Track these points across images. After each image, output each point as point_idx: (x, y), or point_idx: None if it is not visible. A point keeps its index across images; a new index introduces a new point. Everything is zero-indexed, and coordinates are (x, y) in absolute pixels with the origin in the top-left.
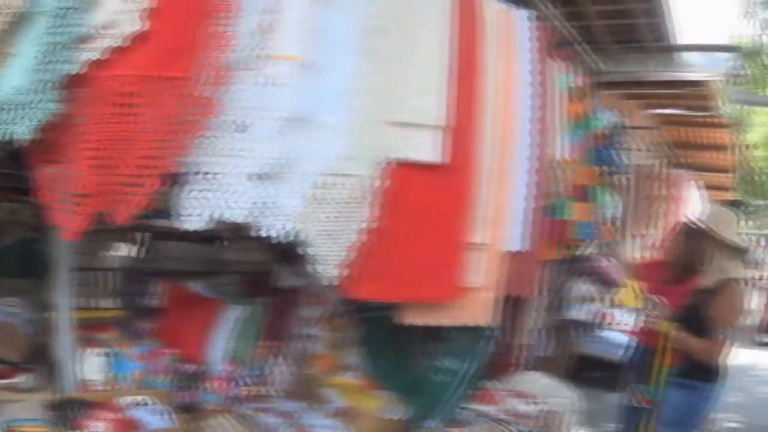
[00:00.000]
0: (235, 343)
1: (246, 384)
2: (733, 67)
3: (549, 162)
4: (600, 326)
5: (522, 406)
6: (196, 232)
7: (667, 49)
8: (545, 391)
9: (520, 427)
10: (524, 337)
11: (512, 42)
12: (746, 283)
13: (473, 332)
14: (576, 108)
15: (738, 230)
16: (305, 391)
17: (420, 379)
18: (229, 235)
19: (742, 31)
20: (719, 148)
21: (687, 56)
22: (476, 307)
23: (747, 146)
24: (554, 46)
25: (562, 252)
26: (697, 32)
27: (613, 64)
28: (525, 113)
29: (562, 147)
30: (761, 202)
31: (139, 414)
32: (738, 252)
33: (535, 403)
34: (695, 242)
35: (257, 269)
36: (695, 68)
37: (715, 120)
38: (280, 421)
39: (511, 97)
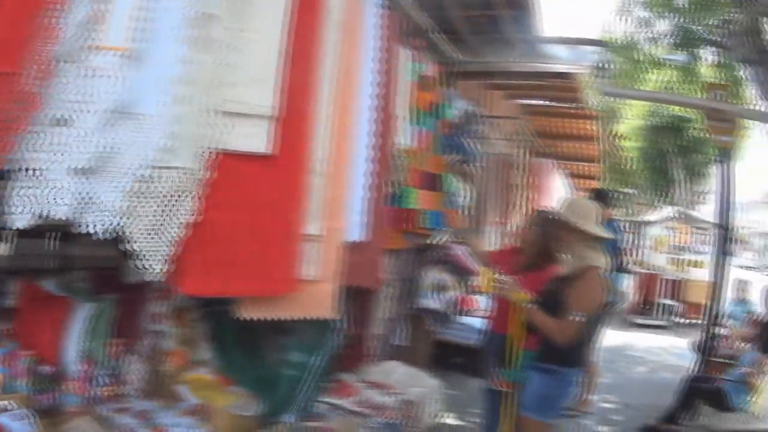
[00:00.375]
0: (88, 342)
1: (103, 384)
2: (600, 60)
3: (393, 151)
4: (458, 313)
5: (379, 397)
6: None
7: (529, 41)
8: (404, 380)
9: (377, 418)
10: (376, 328)
11: (357, 29)
12: (606, 271)
13: (319, 325)
14: (427, 97)
15: (597, 219)
16: (160, 388)
17: (271, 373)
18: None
19: (616, 27)
20: (587, 138)
21: (554, 49)
22: (316, 299)
23: (615, 137)
24: (406, 34)
25: (412, 241)
26: (571, 27)
27: (472, 55)
28: (367, 101)
29: (409, 135)
30: (629, 191)
31: (2, 420)
32: (597, 240)
33: (393, 394)
34: (551, 231)
35: (105, 265)
36: (561, 61)
37: (583, 111)
38: (136, 422)
39: (352, 85)
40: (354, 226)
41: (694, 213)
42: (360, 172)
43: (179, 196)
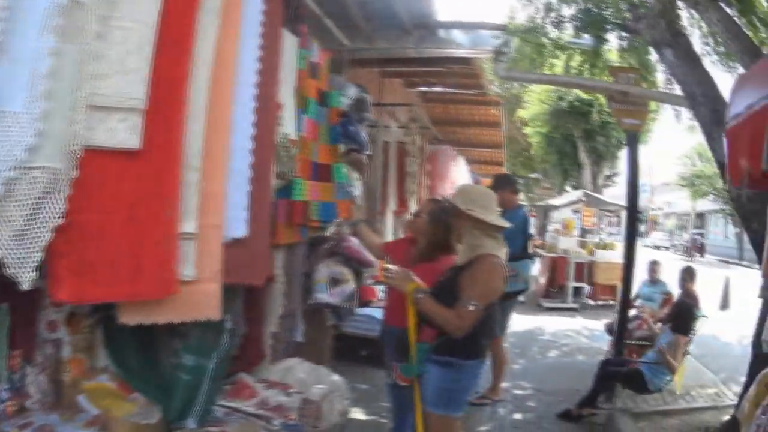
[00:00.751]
0: None
1: (4, 399)
2: (502, 45)
3: (279, 141)
4: (358, 305)
5: (280, 398)
6: None
7: (426, 26)
8: (304, 378)
9: (279, 420)
10: (272, 325)
11: (235, 15)
12: (504, 258)
13: (210, 327)
14: (315, 84)
15: (493, 206)
16: (61, 400)
17: (169, 379)
18: None
19: (519, 11)
20: (490, 124)
21: (452, 34)
22: (198, 300)
23: (519, 123)
24: (292, 20)
25: (305, 234)
26: (472, 12)
27: (366, 41)
28: (247, 90)
29: (297, 125)
30: (534, 176)
31: None
32: (492, 228)
33: (293, 394)
34: (444, 219)
35: None
36: (460, 46)
37: (485, 97)
38: None
39: (230, 74)
40: (236, 222)
41: (601, 196)
42: (241, 165)
43: (47, 197)
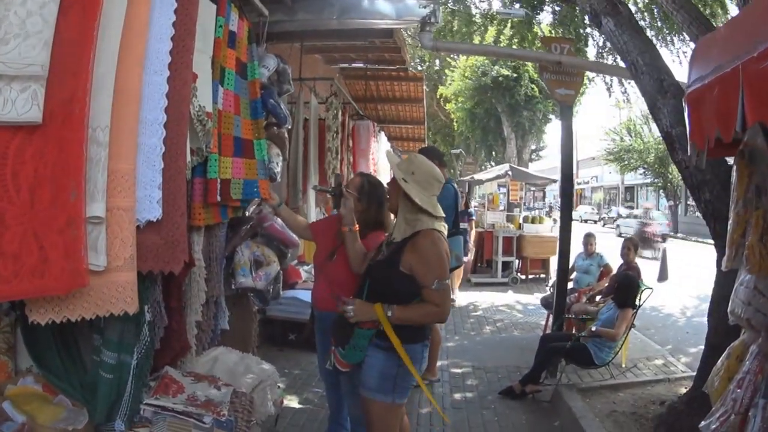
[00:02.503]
0: None
1: None
2: (429, 15)
3: (195, 114)
4: (282, 288)
5: (209, 392)
6: None
7: None
8: (233, 369)
9: (209, 416)
10: (195, 314)
11: None
12: (443, 232)
13: (127, 320)
14: (234, 55)
15: (433, 187)
16: None
17: (92, 378)
18: None
19: None
20: (411, 100)
21: (377, 5)
22: (110, 292)
23: (441, 98)
24: None
25: (225, 215)
26: None
27: (286, 13)
28: (159, 59)
29: (215, 97)
30: (456, 151)
31: None
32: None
33: (222, 387)
34: (377, 194)
35: None
36: (385, 17)
37: (406, 73)
38: None
39: (140, 40)
40: (148, 203)
41: (527, 170)
42: (152, 140)
43: None
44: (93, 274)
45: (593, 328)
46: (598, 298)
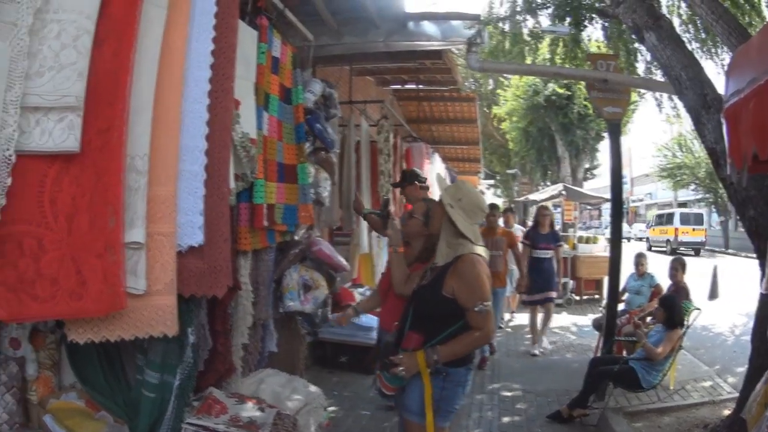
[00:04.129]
0: None
1: None
2: (475, 35)
3: (238, 141)
4: (336, 310)
5: (252, 413)
6: None
7: (395, 19)
8: (279, 391)
9: None
10: (242, 337)
11: (185, 6)
12: (484, 256)
13: (171, 341)
14: (278, 80)
15: (476, 215)
16: (29, 420)
17: (135, 396)
18: None
19: (495, 1)
20: (466, 121)
21: (423, 26)
22: (150, 315)
23: (495, 118)
24: (250, 13)
25: (272, 239)
26: (445, 3)
27: (333, 37)
28: (199, 87)
29: (259, 123)
30: (511, 172)
31: None
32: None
33: (266, 408)
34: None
35: None
36: (431, 38)
37: (459, 94)
38: None
39: (178, 68)
40: (190, 229)
41: (581, 189)
42: (193, 167)
43: None
44: (133, 297)
45: (640, 349)
46: (648, 319)
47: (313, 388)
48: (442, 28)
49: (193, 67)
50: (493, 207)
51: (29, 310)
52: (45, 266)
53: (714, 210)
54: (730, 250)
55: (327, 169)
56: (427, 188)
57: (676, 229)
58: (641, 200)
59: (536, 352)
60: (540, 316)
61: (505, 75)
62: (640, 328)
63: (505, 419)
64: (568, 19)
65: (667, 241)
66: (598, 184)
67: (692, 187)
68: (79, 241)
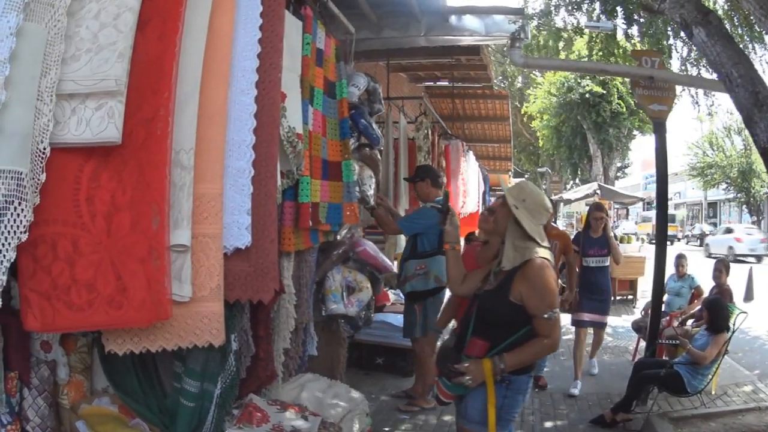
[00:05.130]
0: None
1: (5, 423)
2: (518, 30)
3: (285, 136)
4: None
5: (295, 422)
6: None
7: (436, 13)
8: (322, 397)
9: None
10: (282, 342)
11: None
12: (551, 260)
13: (213, 349)
14: (322, 73)
15: (541, 216)
16: (61, 424)
17: (173, 403)
18: None
19: None
20: (497, 118)
21: (464, 22)
22: (195, 323)
23: (526, 116)
24: (294, 3)
25: (316, 239)
26: None
27: (371, 30)
28: (246, 77)
29: (305, 118)
30: (541, 170)
31: None
32: (527, 236)
33: (309, 417)
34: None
35: None
36: (474, 33)
37: (492, 91)
38: None
39: (224, 57)
40: (237, 229)
41: (615, 188)
42: (240, 163)
43: (8, 207)
44: (176, 305)
45: (685, 353)
46: (690, 322)
47: (355, 394)
48: (485, 22)
49: (239, 56)
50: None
51: (64, 319)
52: (81, 271)
53: (746, 210)
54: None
55: (371, 166)
56: (440, 186)
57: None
58: (670, 199)
59: (576, 392)
60: (588, 340)
61: (535, 72)
62: (686, 335)
63: (548, 424)
64: (619, 12)
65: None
66: (628, 183)
67: (723, 186)
68: (119, 244)
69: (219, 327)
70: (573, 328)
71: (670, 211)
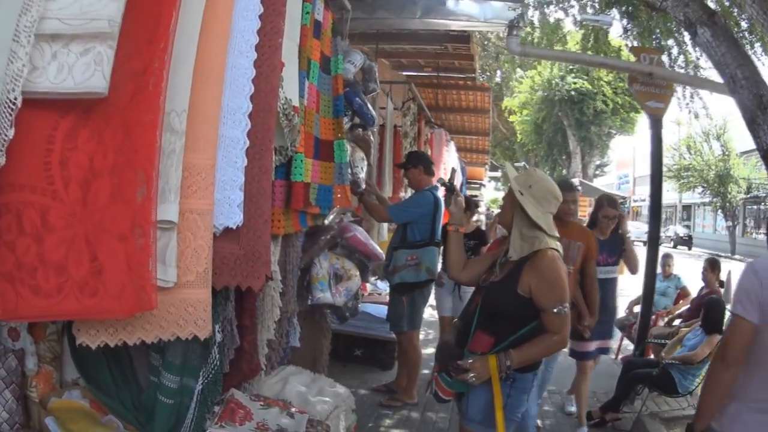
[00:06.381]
0: None
1: None
2: (517, 18)
3: (281, 108)
4: (359, 301)
5: (281, 420)
6: None
7: None
8: (306, 392)
9: None
10: (266, 332)
11: None
12: (560, 251)
13: (192, 341)
14: (319, 46)
15: (549, 205)
16: (30, 419)
17: (147, 400)
18: None
19: None
20: (478, 111)
21: (461, 6)
22: (182, 313)
23: (506, 111)
24: None
25: (305, 223)
26: None
27: (365, 10)
28: (245, 39)
29: (302, 91)
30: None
31: None
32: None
33: (296, 414)
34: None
35: None
36: (471, 18)
37: (475, 83)
38: None
39: (225, 13)
40: (228, 207)
41: (596, 186)
42: (235, 132)
43: None
44: (159, 291)
45: (677, 354)
46: (677, 321)
47: (340, 389)
48: (483, 8)
49: (239, 14)
50: (570, 187)
51: (28, 306)
52: (50, 249)
53: (721, 215)
54: (737, 256)
55: (363, 148)
56: (432, 174)
57: None
58: (644, 200)
59: (573, 409)
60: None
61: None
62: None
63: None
64: (615, 8)
65: None
66: (607, 181)
67: (699, 190)
68: (96, 218)
69: (205, 317)
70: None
71: (644, 212)
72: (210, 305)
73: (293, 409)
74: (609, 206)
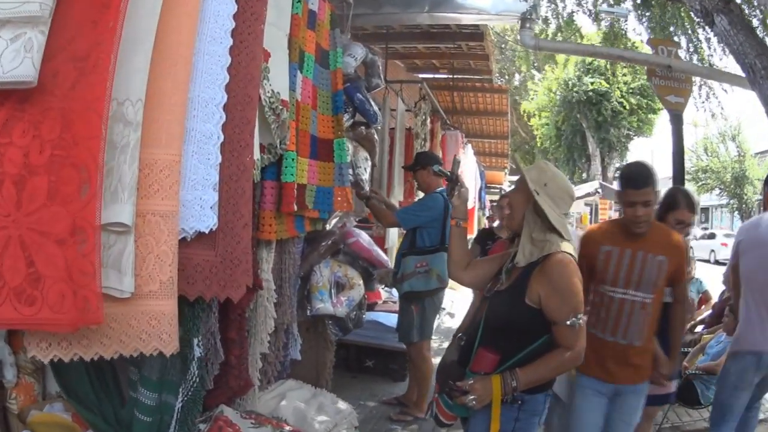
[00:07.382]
0: None
1: None
2: (530, 10)
3: (266, 101)
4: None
5: None
6: None
7: None
8: (304, 409)
9: None
10: (260, 345)
11: None
12: (574, 256)
13: (172, 355)
14: (314, 38)
15: (565, 204)
16: None
17: (129, 415)
18: None
19: None
20: (496, 114)
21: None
22: (144, 326)
23: (525, 114)
24: None
25: (302, 228)
26: None
27: (370, 5)
28: (219, 23)
29: (293, 84)
30: None
31: None
32: (551, 227)
33: None
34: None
35: None
36: (482, 11)
37: (492, 85)
38: None
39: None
40: (199, 208)
41: (614, 187)
42: (206, 126)
43: None
44: (115, 302)
45: (699, 363)
46: (699, 328)
47: (342, 405)
48: (494, 0)
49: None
50: (645, 178)
51: None
52: None
53: (738, 216)
54: None
55: (367, 147)
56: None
57: None
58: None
59: None
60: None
61: (539, 68)
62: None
63: None
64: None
65: None
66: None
67: (716, 191)
68: (32, 219)
69: (170, 331)
70: None
71: None
72: (175, 318)
73: (287, 428)
74: (687, 208)
